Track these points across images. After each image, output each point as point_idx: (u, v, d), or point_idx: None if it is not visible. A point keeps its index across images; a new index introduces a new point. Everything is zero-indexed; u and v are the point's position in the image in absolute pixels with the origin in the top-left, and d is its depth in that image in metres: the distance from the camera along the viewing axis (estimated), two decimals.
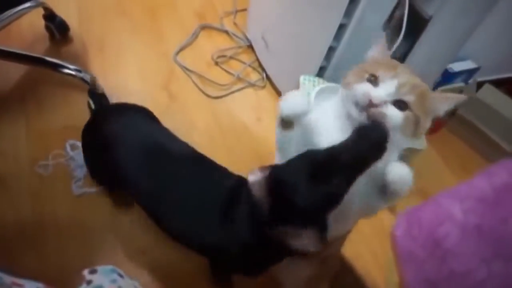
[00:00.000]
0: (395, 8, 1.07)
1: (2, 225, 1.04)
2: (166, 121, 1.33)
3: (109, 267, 0.59)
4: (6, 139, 1.17)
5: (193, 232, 0.80)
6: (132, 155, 0.86)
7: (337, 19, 1.07)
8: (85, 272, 0.57)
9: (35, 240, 1.03)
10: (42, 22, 1.40)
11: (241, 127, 1.36)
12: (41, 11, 1.37)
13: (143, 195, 0.86)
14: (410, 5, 1.05)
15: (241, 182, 0.79)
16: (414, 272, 0.34)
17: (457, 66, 1.30)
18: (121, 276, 0.59)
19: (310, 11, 1.17)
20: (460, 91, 1.41)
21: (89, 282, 0.55)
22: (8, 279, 0.47)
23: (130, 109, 0.99)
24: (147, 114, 0.99)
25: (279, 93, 1.44)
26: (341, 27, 1.09)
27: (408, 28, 1.09)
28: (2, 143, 1.16)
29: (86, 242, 1.05)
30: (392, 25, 1.18)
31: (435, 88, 1.34)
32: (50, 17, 1.38)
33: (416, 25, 1.11)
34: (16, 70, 1.31)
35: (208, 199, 0.78)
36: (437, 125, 1.41)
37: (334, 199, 0.62)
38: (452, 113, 1.44)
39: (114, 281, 0.56)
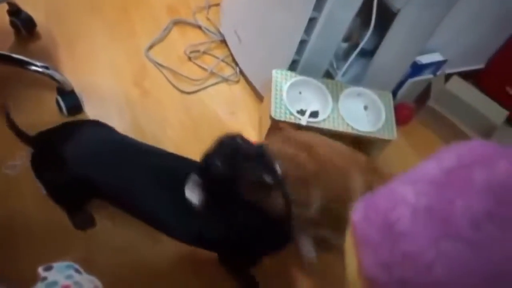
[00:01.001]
0: (364, 1, 1.08)
1: None
2: (139, 117, 1.32)
3: (66, 263, 0.59)
4: None
5: (183, 225, 0.84)
6: (104, 160, 0.86)
7: (307, 13, 1.07)
8: (40, 270, 0.57)
9: (6, 243, 1.00)
10: (7, 18, 1.36)
11: (215, 122, 1.36)
12: (5, 6, 1.32)
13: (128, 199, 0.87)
14: None
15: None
16: (371, 257, 0.35)
17: (425, 59, 1.33)
18: (78, 272, 0.58)
19: (281, 6, 1.18)
20: (429, 82, 1.44)
21: (43, 279, 0.54)
22: None
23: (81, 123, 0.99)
24: (101, 123, 0.97)
25: (252, 88, 1.44)
26: (311, 21, 1.10)
27: (377, 22, 1.11)
28: None
29: (59, 242, 1.03)
30: (361, 19, 1.20)
31: (405, 80, 1.37)
32: (15, 12, 1.34)
33: (385, 18, 1.13)
34: None
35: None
36: (408, 116, 1.44)
37: None
38: (422, 104, 1.47)
39: (69, 276, 0.55)
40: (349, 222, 0.38)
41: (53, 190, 0.93)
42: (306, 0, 1.05)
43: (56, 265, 0.57)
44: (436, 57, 1.34)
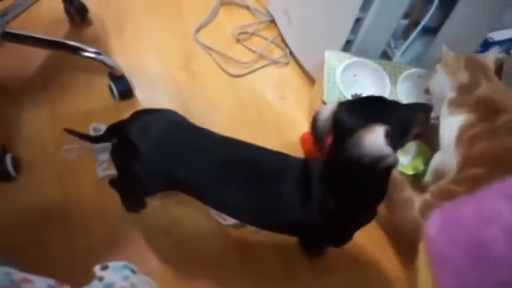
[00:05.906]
0: None
1: (30, 209, 1.06)
2: (187, 101, 1.31)
3: (122, 263, 0.58)
4: (31, 125, 1.18)
5: (275, 215, 0.82)
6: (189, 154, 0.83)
7: None
8: (97, 268, 0.56)
9: (62, 223, 1.04)
10: (61, 6, 1.39)
11: (264, 106, 1.32)
12: None
13: (210, 191, 0.84)
14: None
15: (304, 160, 0.84)
16: (451, 280, 0.30)
17: (498, 35, 1.19)
18: (133, 272, 0.57)
19: None
20: (500, 62, 1.30)
21: (100, 279, 0.54)
22: (18, 275, 0.46)
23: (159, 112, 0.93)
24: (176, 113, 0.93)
25: (303, 70, 1.38)
26: None
27: None
28: (27, 130, 1.17)
29: (110, 223, 1.05)
30: None
31: None
32: (69, 0, 1.36)
33: None
34: (38, 55, 1.31)
35: (283, 180, 0.80)
36: None
37: None
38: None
39: (126, 277, 0.54)
40: (423, 236, 0.33)
41: (128, 180, 0.92)
42: None
43: (112, 264, 0.57)
44: (510, 33, 1.20)
